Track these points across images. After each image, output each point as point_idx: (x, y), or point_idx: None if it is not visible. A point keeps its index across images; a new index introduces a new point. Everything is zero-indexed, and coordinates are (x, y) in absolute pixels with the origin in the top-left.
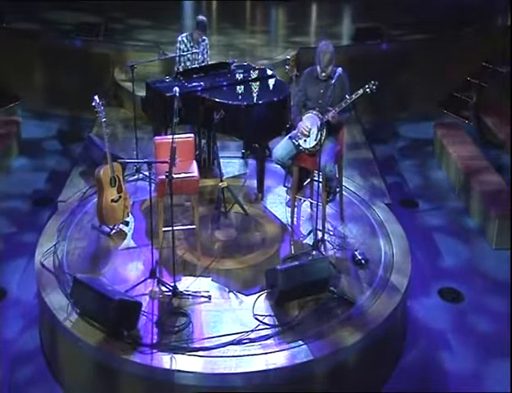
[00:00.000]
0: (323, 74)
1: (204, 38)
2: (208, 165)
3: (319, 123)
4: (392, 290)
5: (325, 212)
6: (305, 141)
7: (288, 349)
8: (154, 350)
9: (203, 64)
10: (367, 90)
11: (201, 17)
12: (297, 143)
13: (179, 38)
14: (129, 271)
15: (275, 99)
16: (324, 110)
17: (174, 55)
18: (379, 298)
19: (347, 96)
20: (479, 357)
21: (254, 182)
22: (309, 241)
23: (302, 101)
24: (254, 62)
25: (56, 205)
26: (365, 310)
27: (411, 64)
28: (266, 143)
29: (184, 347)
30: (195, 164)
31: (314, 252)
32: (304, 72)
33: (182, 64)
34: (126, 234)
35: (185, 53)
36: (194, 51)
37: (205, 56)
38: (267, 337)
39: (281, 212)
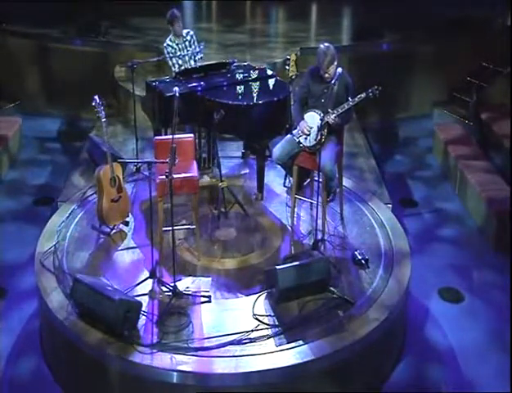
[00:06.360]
0: (326, 75)
1: (187, 30)
2: (208, 165)
3: (319, 123)
4: (392, 290)
5: (325, 212)
6: (306, 138)
7: (288, 349)
8: (154, 350)
9: (196, 59)
10: (370, 94)
11: (171, 11)
12: (297, 140)
13: (164, 44)
14: (129, 271)
15: (275, 99)
16: (325, 110)
17: (168, 56)
18: (379, 298)
19: (349, 98)
20: (479, 357)
21: (254, 182)
22: (309, 241)
23: (304, 98)
24: (254, 62)
25: (56, 205)
26: (365, 310)
27: (411, 64)
28: (266, 143)
29: (184, 347)
30: (195, 164)
31: (314, 252)
32: (309, 68)
33: (177, 65)
34: (126, 234)
35: (181, 53)
36: (194, 51)
37: (196, 50)
38: (267, 337)
39: (281, 212)
